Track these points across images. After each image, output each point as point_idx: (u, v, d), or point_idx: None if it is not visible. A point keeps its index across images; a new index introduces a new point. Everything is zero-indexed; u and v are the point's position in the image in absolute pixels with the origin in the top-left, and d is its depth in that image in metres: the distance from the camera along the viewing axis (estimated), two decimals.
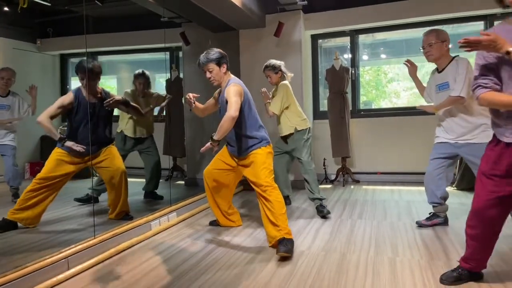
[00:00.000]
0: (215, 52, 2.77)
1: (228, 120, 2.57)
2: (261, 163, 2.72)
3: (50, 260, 2.19)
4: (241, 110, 2.72)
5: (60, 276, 2.19)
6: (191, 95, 2.87)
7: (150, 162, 4.00)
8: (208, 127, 4.89)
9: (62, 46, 4.60)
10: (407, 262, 2.34)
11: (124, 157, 3.73)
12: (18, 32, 3.99)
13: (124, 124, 3.88)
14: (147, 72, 3.97)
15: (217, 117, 2.88)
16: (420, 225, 3.06)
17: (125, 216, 3.19)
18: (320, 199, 3.52)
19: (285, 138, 3.69)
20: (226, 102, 2.66)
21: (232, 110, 2.57)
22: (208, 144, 2.68)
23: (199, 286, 2.10)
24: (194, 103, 2.87)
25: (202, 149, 2.70)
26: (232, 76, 2.86)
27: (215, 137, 2.63)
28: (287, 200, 3.85)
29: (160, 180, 4.93)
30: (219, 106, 2.89)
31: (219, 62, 2.76)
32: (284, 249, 2.45)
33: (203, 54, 2.79)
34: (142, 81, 3.91)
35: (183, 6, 4.15)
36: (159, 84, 5.86)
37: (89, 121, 2.97)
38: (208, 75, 2.79)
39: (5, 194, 3.45)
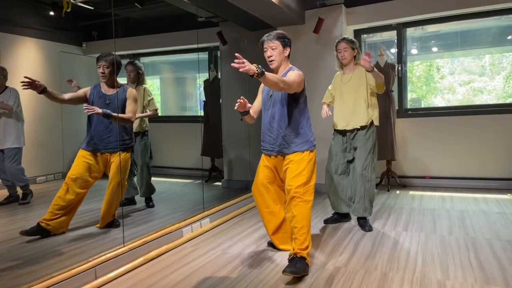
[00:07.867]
0: (282, 32, 2.54)
1: (282, 81, 2.22)
2: (300, 168, 2.45)
3: (77, 269, 2.17)
4: (298, 101, 2.50)
5: (86, 286, 2.16)
6: (243, 99, 2.48)
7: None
8: (245, 128, 4.77)
9: (106, 48, 4.66)
10: (459, 287, 2.06)
11: None
12: (64, 36, 4.10)
13: None
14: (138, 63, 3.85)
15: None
16: None
17: (111, 223, 3.11)
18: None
19: (346, 133, 3.22)
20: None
21: (291, 79, 2.32)
22: (253, 67, 2.12)
23: None
24: (246, 106, 2.51)
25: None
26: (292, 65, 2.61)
27: (261, 68, 2.12)
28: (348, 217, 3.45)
29: (198, 181, 4.91)
30: (270, 94, 2.57)
31: (284, 42, 2.51)
32: (289, 270, 2.22)
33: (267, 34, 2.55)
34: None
35: (219, 5, 4.05)
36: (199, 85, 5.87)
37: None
38: (269, 53, 2.51)
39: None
